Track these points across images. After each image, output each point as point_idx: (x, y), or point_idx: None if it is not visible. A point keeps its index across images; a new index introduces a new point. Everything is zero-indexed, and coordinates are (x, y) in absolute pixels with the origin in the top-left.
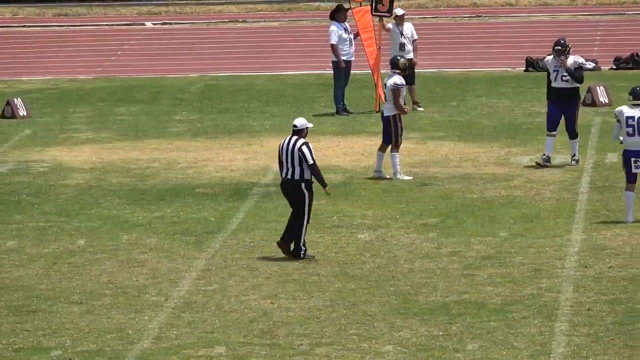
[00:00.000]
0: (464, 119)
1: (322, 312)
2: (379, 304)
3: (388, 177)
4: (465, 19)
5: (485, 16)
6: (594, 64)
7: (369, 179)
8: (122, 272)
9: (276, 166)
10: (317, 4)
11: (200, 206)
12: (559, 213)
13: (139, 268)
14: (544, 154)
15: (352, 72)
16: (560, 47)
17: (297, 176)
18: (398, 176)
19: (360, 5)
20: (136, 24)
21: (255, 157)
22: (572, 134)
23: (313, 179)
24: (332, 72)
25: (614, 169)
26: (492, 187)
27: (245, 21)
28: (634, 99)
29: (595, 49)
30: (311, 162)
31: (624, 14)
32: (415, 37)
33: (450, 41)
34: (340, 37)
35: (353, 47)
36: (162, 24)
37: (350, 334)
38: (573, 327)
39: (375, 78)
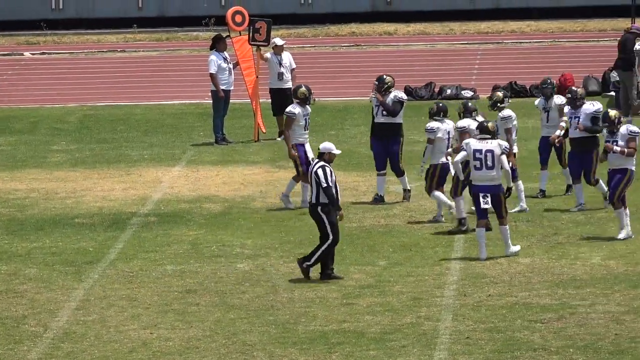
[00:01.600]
0: (342, 148)
1: (202, 342)
2: (259, 334)
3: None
4: (344, 48)
5: (364, 45)
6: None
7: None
8: (0, 302)
9: (155, 195)
10: (195, 33)
11: (79, 236)
12: (438, 242)
13: (18, 298)
14: (377, 194)
15: (231, 101)
16: (377, 83)
17: (314, 199)
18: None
19: (240, 35)
20: (14, 54)
21: (134, 186)
22: (398, 171)
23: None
24: (212, 101)
25: None
26: (371, 216)
27: (124, 51)
28: (480, 133)
29: (474, 77)
30: (324, 185)
31: (502, 42)
32: (294, 66)
33: (329, 70)
34: (219, 66)
35: (232, 77)
36: (41, 53)
37: None
38: (452, 356)
39: (254, 107)
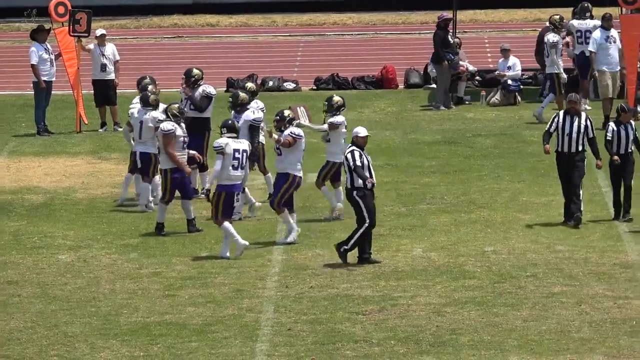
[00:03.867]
0: None
1: (23, 334)
2: (80, 325)
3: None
4: (167, 39)
5: (186, 37)
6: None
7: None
8: None
9: None
10: (17, 24)
11: None
12: (260, 234)
13: None
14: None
15: (53, 92)
16: (184, 76)
17: (349, 184)
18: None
19: (62, 26)
20: None
21: None
22: (200, 166)
23: (367, 184)
24: (33, 92)
25: (314, 189)
26: (193, 208)
27: None
28: (227, 132)
29: (296, 69)
30: (352, 165)
31: (324, 34)
32: (118, 58)
33: (152, 62)
34: (40, 57)
35: (54, 68)
36: None
37: (51, 355)
38: (274, 347)
39: (76, 97)
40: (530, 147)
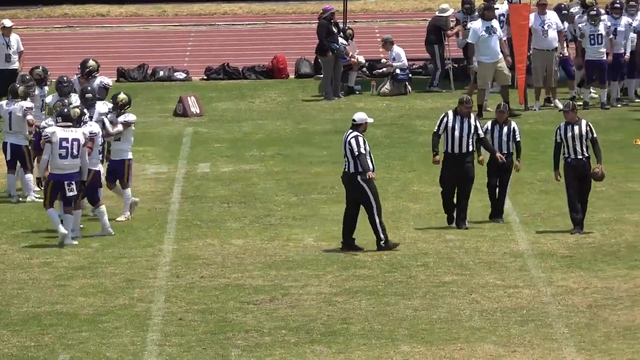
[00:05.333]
0: None
1: None
2: None
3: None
4: (57, 29)
5: (76, 27)
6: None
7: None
8: None
9: None
10: None
11: None
12: (151, 223)
13: None
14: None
15: None
16: (80, 67)
17: (352, 169)
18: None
19: None
20: None
21: None
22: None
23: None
24: None
25: (205, 179)
26: None
27: None
28: (62, 120)
29: (187, 59)
30: (357, 152)
31: (215, 24)
32: (22, 48)
33: (43, 52)
34: None
35: None
36: None
37: None
38: (165, 337)
39: None
40: (420, 136)
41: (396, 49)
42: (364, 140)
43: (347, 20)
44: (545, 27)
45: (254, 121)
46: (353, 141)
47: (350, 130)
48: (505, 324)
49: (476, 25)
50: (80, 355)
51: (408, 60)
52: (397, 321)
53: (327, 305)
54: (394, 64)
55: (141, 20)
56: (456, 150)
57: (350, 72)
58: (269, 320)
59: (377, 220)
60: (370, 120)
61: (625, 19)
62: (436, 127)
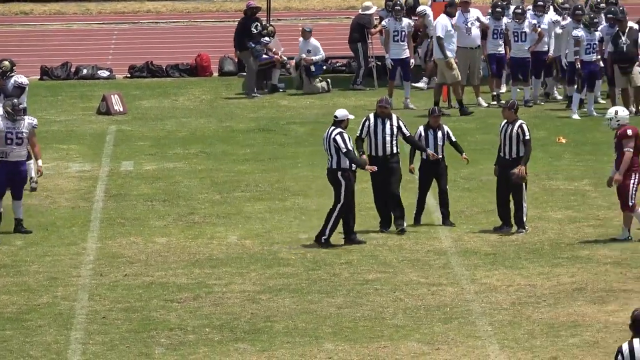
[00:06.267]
0: None
1: None
2: None
3: None
4: None
5: None
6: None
7: None
8: None
9: None
10: None
11: None
12: (75, 221)
13: None
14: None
15: None
16: None
17: (334, 165)
18: None
19: None
20: None
21: None
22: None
23: (354, 167)
24: None
25: (128, 177)
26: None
27: None
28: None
29: (110, 57)
30: (344, 149)
31: (139, 22)
32: None
33: None
34: None
35: None
36: None
37: None
38: (88, 335)
39: None
40: None
41: (313, 41)
42: (348, 137)
43: (271, 18)
44: (469, 24)
45: (177, 119)
46: (338, 138)
47: (333, 127)
48: (429, 321)
49: (443, 20)
50: (3, 354)
51: (332, 58)
52: (321, 319)
53: (250, 303)
54: (314, 57)
55: (64, 18)
56: (380, 152)
57: (273, 70)
58: (192, 318)
59: (335, 217)
60: (351, 116)
61: (548, 17)
62: (359, 132)
